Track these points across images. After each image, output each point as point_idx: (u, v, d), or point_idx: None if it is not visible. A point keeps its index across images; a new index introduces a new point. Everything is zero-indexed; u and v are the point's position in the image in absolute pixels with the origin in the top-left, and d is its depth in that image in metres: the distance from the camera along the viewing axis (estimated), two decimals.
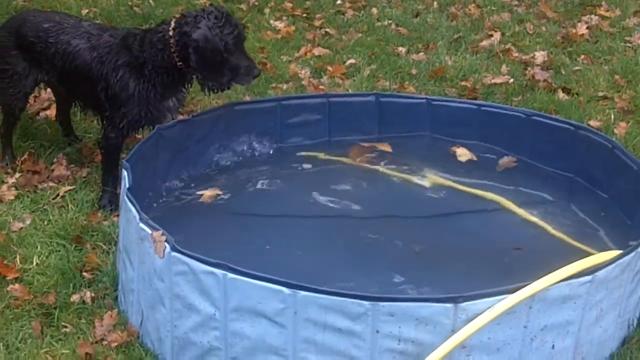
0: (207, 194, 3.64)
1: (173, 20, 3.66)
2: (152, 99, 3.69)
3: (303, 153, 3.99)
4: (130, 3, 5.96)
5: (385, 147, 4.01)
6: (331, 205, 3.68)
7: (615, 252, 2.88)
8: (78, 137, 4.32)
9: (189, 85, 3.82)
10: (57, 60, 3.81)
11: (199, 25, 3.55)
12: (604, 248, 3.17)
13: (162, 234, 2.85)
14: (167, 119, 3.74)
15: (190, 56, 3.56)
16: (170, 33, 3.60)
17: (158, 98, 3.70)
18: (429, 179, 3.84)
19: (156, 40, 3.63)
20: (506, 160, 3.93)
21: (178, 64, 3.62)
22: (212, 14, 3.58)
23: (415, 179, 3.85)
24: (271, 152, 4.01)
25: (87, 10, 5.97)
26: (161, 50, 3.62)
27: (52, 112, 4.42)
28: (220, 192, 3.66)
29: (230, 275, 2.69)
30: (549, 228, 3.47)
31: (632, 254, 2.85)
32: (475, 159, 3.95)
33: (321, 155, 3.99)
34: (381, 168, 3.93)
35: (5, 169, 4.02)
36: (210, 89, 3.69)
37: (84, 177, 4.00)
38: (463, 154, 3.97)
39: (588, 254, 2.91)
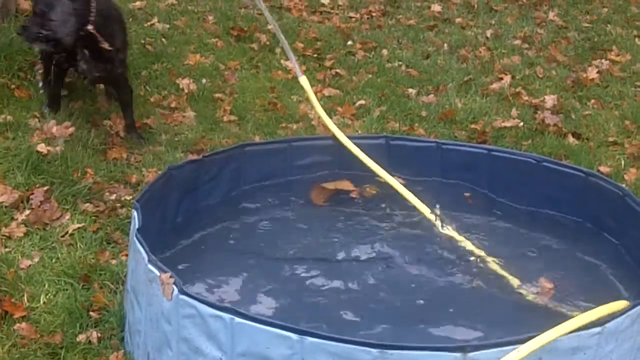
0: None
1: None
2: None
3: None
4: (143, 41, 6.01)
5: (346, 186, 4.00)
6: (343, 246, 3.68)
7: (625, 303, 2.86)
8: None
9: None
10: None
11: None
12: (616, 296, 3.15)
13: (171, 276, 2.84)
14: None
15: None
16: None
17: None
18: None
19: None
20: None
21: None
22: None
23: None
24: (281, 192, 4.01)
25: None
26: None
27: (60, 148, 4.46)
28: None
29: (238, 319, 2.68)
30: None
31: None
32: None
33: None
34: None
35: None
36: None
37: (93, 213, 4.00)
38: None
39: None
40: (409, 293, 3.38)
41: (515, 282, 3.38)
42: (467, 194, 3.96)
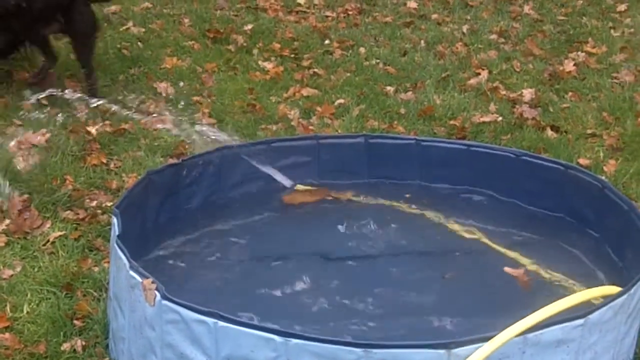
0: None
1: None
2: None
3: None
4: (118, 46, 5.98)
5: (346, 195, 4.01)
6: (325, 247, 3.69)
7: (616, 288, 2.88)
8: None
9: None
10: None
11: None
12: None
13: (153, 282, 2.83)
14: None
15: None
16: None
17: None
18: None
19: None
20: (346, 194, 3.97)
21: None
22: None
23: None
24: (261, 195, 4.01)
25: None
26: None
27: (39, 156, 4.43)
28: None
29: (221, 323, 2.67)
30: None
31: (625, 296, 2.84)
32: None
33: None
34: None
35: None
36: None
37: (74, 221, 3.98)
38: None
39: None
40: (395, 290, 3.39)
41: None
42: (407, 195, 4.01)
